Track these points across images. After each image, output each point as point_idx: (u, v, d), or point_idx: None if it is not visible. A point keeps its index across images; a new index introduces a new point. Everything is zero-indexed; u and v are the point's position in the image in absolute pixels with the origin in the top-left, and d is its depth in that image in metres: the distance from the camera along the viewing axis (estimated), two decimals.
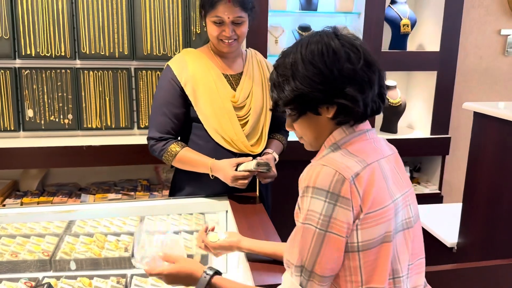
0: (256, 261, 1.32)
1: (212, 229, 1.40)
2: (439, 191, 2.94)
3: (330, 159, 0.98)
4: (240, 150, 1.80)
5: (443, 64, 2.74)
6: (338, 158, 0.98)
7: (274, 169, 1.74)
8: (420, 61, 2.74)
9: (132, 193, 2.48)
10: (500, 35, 3.03)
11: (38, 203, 2.32)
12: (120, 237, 1.88)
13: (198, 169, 1.77)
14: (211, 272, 1.14)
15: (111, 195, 2.45)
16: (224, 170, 1.68)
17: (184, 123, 1.84)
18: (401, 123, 2.98)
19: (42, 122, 2.38)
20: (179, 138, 1.86)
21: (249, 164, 1.65)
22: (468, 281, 1.55)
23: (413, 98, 3.01)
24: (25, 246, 1.76)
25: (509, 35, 3.02)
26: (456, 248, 1.81)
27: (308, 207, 0.95)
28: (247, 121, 1.82)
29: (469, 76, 3.07)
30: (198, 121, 1.80)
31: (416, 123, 3.01)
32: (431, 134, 2.84)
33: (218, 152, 1.78)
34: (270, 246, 1.33)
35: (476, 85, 3.11)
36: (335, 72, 0.98)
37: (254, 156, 1.79)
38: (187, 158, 1.77)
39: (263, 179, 1.72)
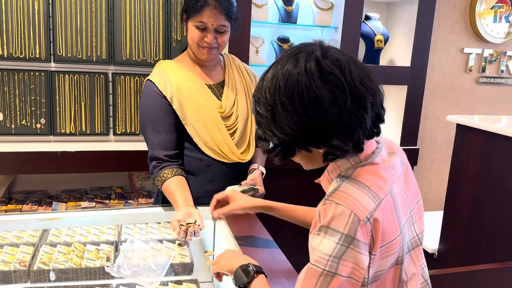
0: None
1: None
2: None
3: (344, 195, 0.90)
4: (230, 160, 1.79)
5: (414, 79, 2.86)
6: (352, 193, 0.90)
7: (261, 187, 1.73)
8: (392, 76, 2.84)
9: (107, 201, 2.40)
10: (463, 53, 3.22)
11: (6, 211, 2.19)
12: (99, 246, 1.81)
13: (173, 204, 1.68)
14: (256, 268, 1.08)
15: (84, 203, 2.36)
16: (173, 219, 1.58)
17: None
18: None
19: (13, 126, 2.27)
20: (180, 161, 1.76)
21: None
22: (451, 286, 1.61)
23: None
24: None
25: (471, 53, 3.22)
26: (437, 254, 1.88)
27: (318, 247, 0.88)
28: (236, 129, 1.81)
29: (434, 91, 3.23)
30: (186, 134, 1.75)
31: (387, 135, 3.08)
32: (400, 145, 2.94)
33: (208, 163, 1.77)
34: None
35: (440, 100, 3.27)
36: (319, 120, 0.88)
37: (245, 164, 1.78)
38: (167, 189, 1.68)
39: None
